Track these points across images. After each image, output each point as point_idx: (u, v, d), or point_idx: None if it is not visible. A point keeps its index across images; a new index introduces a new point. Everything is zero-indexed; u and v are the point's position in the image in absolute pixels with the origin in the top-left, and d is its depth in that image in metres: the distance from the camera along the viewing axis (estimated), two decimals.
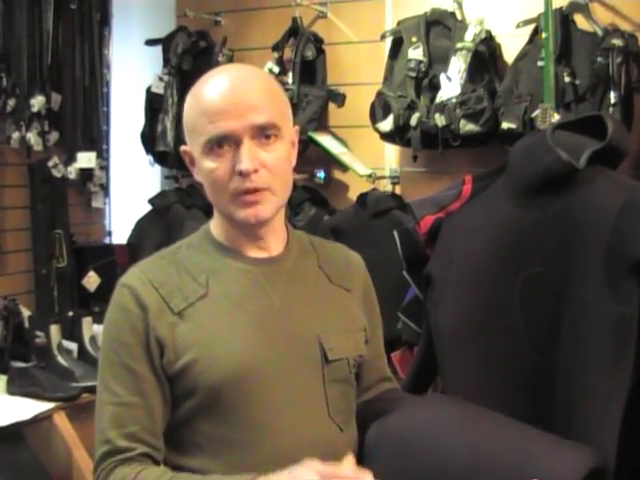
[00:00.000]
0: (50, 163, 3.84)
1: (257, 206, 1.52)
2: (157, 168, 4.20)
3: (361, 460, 1.61)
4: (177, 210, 3.87)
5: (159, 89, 3.90)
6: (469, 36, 3.25)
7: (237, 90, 1.52)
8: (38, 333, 3.21)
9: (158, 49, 4.02)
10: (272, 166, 1.53)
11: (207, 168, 1.52)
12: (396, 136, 3.37)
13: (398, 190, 3.59)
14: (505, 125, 3.09)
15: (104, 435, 1.49)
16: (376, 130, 3.40)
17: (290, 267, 1.62)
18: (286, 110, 1.60)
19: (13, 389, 3.07)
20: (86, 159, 3.94)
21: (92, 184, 4.10)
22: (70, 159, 3.93)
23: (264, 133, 1.52)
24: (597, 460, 1.45)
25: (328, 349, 1.58)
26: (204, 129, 1.50)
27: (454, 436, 1.52)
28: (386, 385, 1.79)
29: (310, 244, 1.70)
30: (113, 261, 4.01)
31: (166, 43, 3.97)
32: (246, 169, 1.49)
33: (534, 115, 2.94)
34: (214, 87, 1.53)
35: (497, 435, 1.52)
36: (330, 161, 3.62)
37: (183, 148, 1.61)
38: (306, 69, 3.63)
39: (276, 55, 3.68)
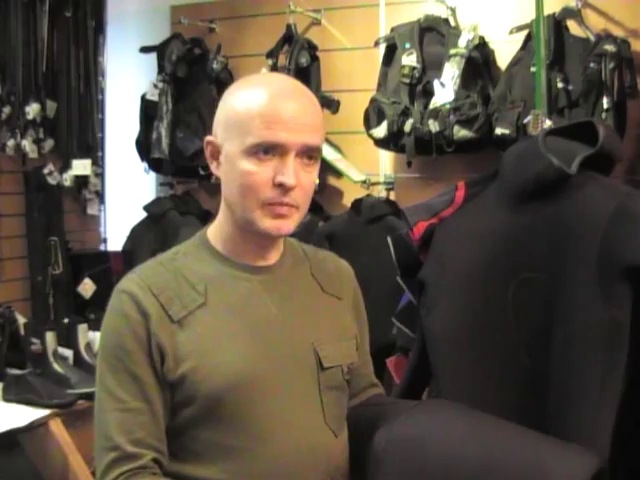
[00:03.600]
0: (45, 170, 3.85)
1: (284, 220, 1.52)
2: (152, 175, 4.21)
3: (358, 465, 1.63)
4: (172, 217, 3.88)
5: (154, 96, 3.91)
6: (462, 42, 3.27)
7: (299, 105, 1.52)
8: (34, 340, 3.21)
9: (153, 56, 4.03)
10: (306, 187, 1.54)
11: (245, 169, 1.50)
12: (390, 142, 3.38)
13: (392, 196, 3.60)
14: (499, 131, 3.11)
15: (111, 441, 1.47)
16: (370, 136, 3.41)
17: (285, 276, 1.63)
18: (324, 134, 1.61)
19: (9, 396, 3.07)
20: (81, 166, 3.95)
21: (87, 191, 4.12)
22: (65, 166, 3.95)
23: (308, 154, 1.53)
24: (601, 462, 1.46)
25: (323, 357, 1.59)
26: (256, 131, 1.48)
27: (463, 439, 1.52)
28: (373, 391, 1.81)
29: (303, 252, 1.71)
30: (108, 268, 4.02)
31: (161, 50, 3.99)
32: (291, 184, 1.49)
33: (526, 121, 2.95)
34: (276, 93, 1.51)
35: (505, 439, 1.53)
36: (325, 167, 3.62)
37: (209, 138, 1.57)
38: (300, 76, 3.63)
39: (270, 62, 3.70)
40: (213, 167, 1.59)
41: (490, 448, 1.50)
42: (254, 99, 1.51)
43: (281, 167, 1.49)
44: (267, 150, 1.49)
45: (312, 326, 1.62)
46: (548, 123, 2.71)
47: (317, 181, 3.70)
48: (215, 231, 1.63)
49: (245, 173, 1.50)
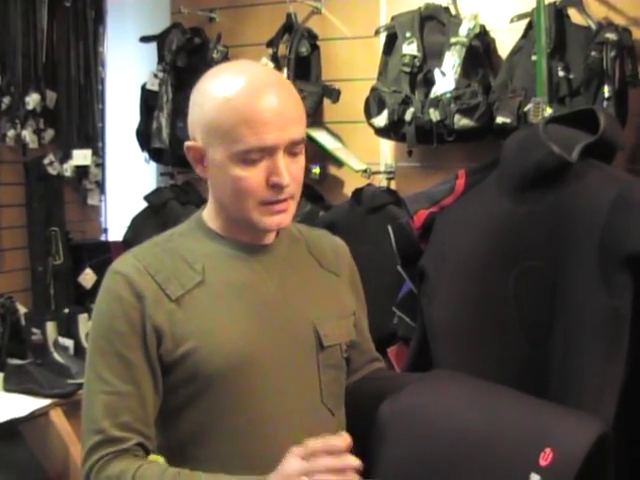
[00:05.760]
0: (46, 161, 3.85)
1: (282, 214, 1.53)
2: (152, 165, 4.20)
3: (360, 438, 1.63)
4: (173, 207, 3.87)
5: (154, 86, 3.90)
6: (463, 31, 3.25)
7: (281, 100, 1.49)
8: (34, 330, 3.22)
9: (153, 46, 4.02)
10: (298, 178, 1.54)
11: (236, 175, 1.49)
12: (391, 131, 3.37)
13: (393, 185, 3.59)
14: (500, 120, 3.09)
15: (96, 424, 1.47)
16: (371, 125, 3.40)
17: (283, 254, 1.63)
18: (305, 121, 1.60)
19: (9, 386, 3.08)
20: (81, 156, 3.95)
21: (88, 181, 4.12)
22: (65, 157, 3.95)
23: (295, 147, 1.52)
24: (604, 426, 1.48)
25: (323, 335, 1.60)
26: (243, 138, 1.46)
27: (467, 408, 1.54)
28: (375, 365, 1.81)
29: (297, 231, 1.71)
30: (109, 258, 4.00)
31: (161, 40, 3.97)
32: (286, 184, 1.49)
33: (526, 109, 2.94)
34: (256, 92, 1.48)
35: (508, 406, 1.54)
36: (325, 157, 3.62)
37: (190, 144, 1.55)
38: (301, 65, 3.63)
39: (271, 51, 3.68)
40: (198, 170, 1.57)
41: (494, 415, 1.51)
42: (235, 103, 1.47)
43: (272, 167, 1.49)
44: (256, 154, 1.48)
45: (312, 304, 1.62)
46: (549, 111, 2.70)
47: (318, 170, 3.72)
48: (210, 214, 1.62)
49: (237, 179, 1.49)
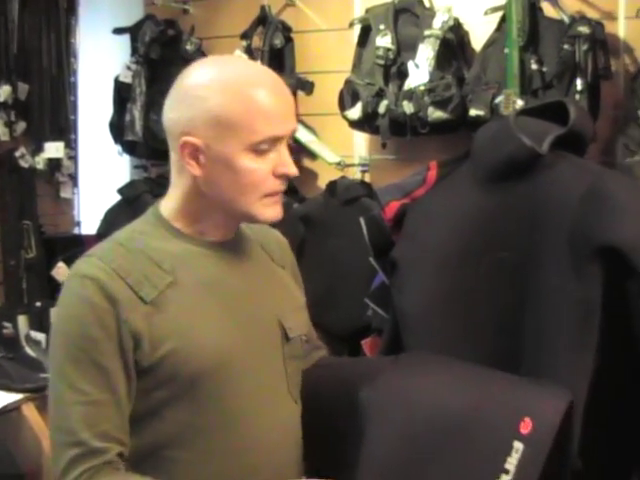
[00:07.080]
0: (17, 153, 3.84)
1: (278, 206, 1.56)
2: (126, 158, 4.18)
3: (320, 425, 1.65)
4: (147, 200, 3.84)
5: (127, 78, 3.88)
6: (437, 24, 3.26)
7: (284, 92, 1.54)
8: (6, 324, 3.20)
9: (126, 38, 4.00)
10: None
11: (246, 167, 1.49)
12: (365, 124, 3.38)
13: (367, 178, 3.60)
14: (473, 112, 3.10)
15: (74, 437, 1.42)
16: (345, 118, 3.41)
17: (243, 250, 1.64)
18: None
19: None
20: (54, 149, 3.93)
21: (60, 174, 4.10)
22: (38, 149, 3.93)
23: (290, 138, 1.57)
24: (571, 395, 1.57)
25: (288, 328, 1.62)
26: (259, 128, 1.48)
27: (447, 385, 1.58)
28: (318, 353, 1.83)
29: (247, 228, 1.70)
30: (82, 252, 3.96)
31: (134, 32, 3.95)
32: (295, 173, 1.54)
33: (497, 101, 2.96)
34: (264, 85, 1.51)
35: (485, 381, 1.61)
36: (299, 149, 3.61)
37: (187, 139, 1.49)
38: (275, 57, 3.63)
39: (244, 43, 3.68)
40: (191, 167, 1.51)
41: (473, 391, 1.56)
42: (248, 95, 1.49)
43: (278, 158, 1.52)
44: (267, 144, 1.50)
45: (273, 298, 1.64)
46: (519, 103, 2.71)
47: None
48: (173, 210, 1.58)
49: (247, 171, 1.50)
